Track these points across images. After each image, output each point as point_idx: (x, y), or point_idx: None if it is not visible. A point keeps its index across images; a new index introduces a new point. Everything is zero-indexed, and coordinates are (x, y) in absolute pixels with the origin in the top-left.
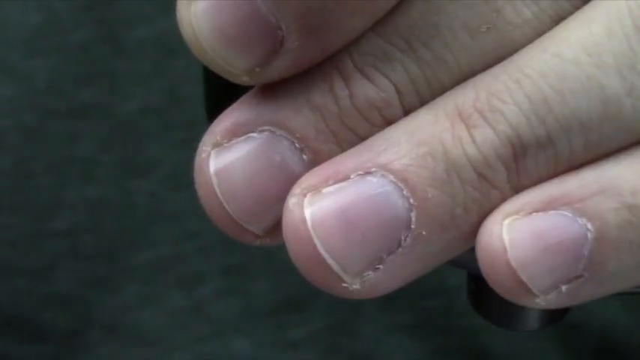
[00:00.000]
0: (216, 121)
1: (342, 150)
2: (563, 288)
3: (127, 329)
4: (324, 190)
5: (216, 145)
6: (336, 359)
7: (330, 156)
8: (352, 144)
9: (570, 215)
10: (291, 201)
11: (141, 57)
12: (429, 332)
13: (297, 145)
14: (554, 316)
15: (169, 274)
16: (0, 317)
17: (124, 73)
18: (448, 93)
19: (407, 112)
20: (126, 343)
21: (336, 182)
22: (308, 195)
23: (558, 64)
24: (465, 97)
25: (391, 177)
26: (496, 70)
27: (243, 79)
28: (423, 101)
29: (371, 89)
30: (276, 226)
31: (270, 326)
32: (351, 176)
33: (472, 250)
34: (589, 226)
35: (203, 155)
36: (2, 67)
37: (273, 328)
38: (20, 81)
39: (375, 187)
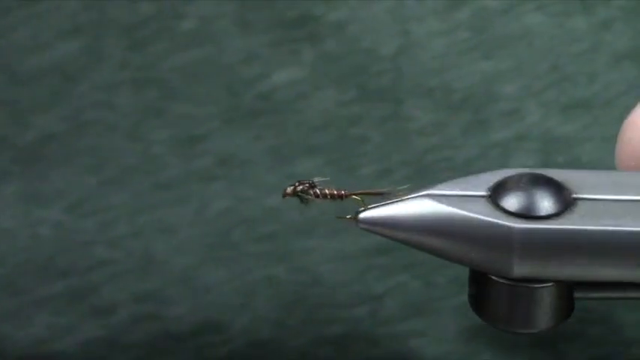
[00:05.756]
0: None
1: None
2: None
3: None
4: None
5: None
6: None
7: None
8: None
9: None
10: None
11: (39, 84)
12: (354, 343)
13: None
14: (555, 319)
15: (81, 304)
16: None
17: (23, 101)
18: None
19: None
20: None
21: None
22: None
23: None
24: None
25: None
26: None
27: None
28: None
29: None
30: None
31: (190, 349)
32: None
33: (473, 248)
34: None
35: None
36: None
37: (193, 351)
38: None
39: None
